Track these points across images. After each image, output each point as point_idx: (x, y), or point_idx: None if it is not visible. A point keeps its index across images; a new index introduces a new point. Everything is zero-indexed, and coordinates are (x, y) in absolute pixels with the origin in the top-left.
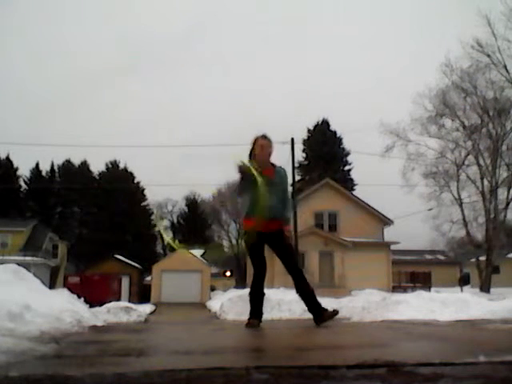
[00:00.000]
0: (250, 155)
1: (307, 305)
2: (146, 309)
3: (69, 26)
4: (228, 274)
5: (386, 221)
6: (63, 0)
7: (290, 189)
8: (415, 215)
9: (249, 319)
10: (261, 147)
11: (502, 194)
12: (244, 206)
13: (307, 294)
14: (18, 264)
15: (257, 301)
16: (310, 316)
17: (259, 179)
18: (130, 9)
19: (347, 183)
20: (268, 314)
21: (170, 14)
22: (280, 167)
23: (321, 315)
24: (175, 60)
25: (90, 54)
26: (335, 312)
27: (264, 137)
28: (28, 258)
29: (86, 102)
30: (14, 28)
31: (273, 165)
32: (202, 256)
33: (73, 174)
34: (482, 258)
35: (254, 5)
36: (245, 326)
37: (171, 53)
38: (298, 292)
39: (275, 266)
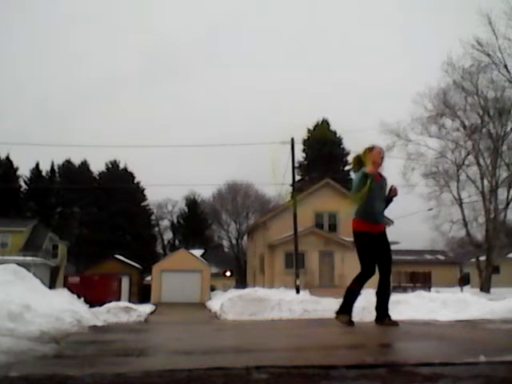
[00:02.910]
0: (362, 161)
1: (377, 303)
2: (145, 309)
3: (70, 28)
4: (228, 273)
5: (385, 221)
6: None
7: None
8: (415, 215)
9: (340, 315)
10: (379, 156)
11: (502, 194)
12: (357, 208)
13: (382, 296)
14: (18, 264)
15: (353, 298)
16: (309, 316)
17: (373, 185)
18: (131, 11)
19: (347, 183)
20: (268, 313)
21: (165, 18)
22: (384, 176)
23: (381, 319)
24: (176, 62)
25: (92, 55)
26: (395, 323)
27: (381, 148)
28: (28, 258)
29: (87, 102)
30: (16, 28)
31: (380, 174)
32: (201, 256)
33: (73, 174)
34: (482, 258)
35: (252, 7)
36: (342, 322)
37: (171, 55)
38: (377, 292)
39: (275, 266)
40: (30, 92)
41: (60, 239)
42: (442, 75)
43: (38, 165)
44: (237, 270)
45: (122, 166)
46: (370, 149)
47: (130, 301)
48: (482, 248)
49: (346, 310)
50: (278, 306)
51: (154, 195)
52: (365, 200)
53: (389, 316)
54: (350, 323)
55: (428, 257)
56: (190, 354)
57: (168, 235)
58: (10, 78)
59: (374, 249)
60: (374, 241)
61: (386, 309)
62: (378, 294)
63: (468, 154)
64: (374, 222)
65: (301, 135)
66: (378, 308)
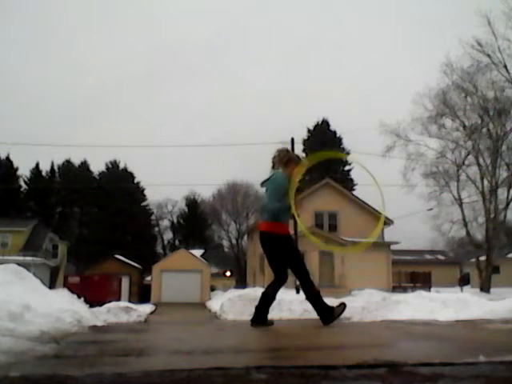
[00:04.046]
0: (276, 165)
1: (262, 305)
2: (146, 309)
3: (70, 28)
4: (228, 273)
5: (386, 221)
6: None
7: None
8: (415, 215)
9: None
10: (301, 167)
11: (502, 194)
12: (278, 210)
13: (270, 298)
14: (18, 264)
15: (269, 303)
16: (309, 316)
17: (291, 188)
18: (133, 16)
19: (347, 183)
20: (268, 314)
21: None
22: None
23: (263, 321)
24: (177, 62)
25: (92, 55)
26: (342, 306)
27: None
28: (28, 258)
29: (87, 102)
30: (16, 29)
31: None
32: (202, 256)
33: (73, 174)
34: (482, 258)
35: (253, 7)
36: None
37: (172, 56)
38: (269, 294)
39: None
40: (30, 92)
41: (60, 239)
42: (441, 76)
43: (38, 165)
44: (237, 270)
45: (122, 166)
46: (300, 161)
47: (130, 301)
48: (482, 248)
49: (262, 317)
50: (278, 305)
51: (154, 195)
52: (283, 201)
53: (330, 312)
54: (271, 324)
55: (428, 257)
56: (190, 354)
57: (168, 235)
58: (10, 78)
59: (297, 250)
60: (293, 243)
61: (324, 307)
62: (266, 295)
63: (468, 154)
64: (288, 224)
65: (301, 135)
66: (259, 309)
